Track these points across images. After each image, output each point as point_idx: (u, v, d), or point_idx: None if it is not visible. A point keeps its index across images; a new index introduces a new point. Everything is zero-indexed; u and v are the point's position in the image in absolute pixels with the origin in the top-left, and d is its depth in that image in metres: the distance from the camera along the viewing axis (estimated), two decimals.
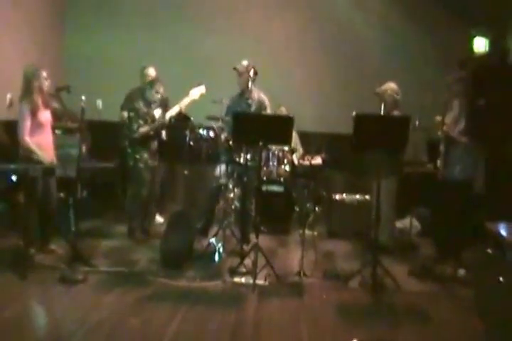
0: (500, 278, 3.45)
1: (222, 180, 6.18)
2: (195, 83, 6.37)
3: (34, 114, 5.25)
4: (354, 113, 5.09)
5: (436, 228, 6.43)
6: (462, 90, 5.58)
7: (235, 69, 6.08)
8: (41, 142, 5.34)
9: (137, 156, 6.20)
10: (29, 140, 5.25)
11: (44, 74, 5.33)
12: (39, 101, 5.29)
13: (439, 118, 5.70)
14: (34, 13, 7.57)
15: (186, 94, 6.32)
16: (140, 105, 6.24)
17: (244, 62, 6.08)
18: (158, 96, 6.29)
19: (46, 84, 5.36)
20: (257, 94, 6.24)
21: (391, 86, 6.02)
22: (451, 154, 5.55)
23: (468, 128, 5.37)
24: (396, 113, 5.98)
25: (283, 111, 7.24)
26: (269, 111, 6.31)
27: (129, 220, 6.43)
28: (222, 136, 5.93)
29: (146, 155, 6.22)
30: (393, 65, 8.00)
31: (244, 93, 6.20)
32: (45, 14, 7.92)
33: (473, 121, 5.32)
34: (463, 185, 5.44)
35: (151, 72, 6.78)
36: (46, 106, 5.42)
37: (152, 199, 6.48)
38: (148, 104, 6.28)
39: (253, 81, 6.08)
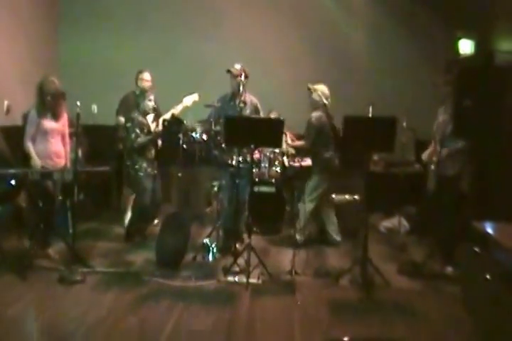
0: (487, 276, 3.55)
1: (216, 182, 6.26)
2: (189, 91, 6.47)
3: (39, 122, 5.37)
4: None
5: (425, 226, 6.54)
6: (450, 93, 5.64)
7: (228, 71, 6.06)
8: (44, 150, 5.47)
9: (136, 166, 6.22)
10: (30, 145, 5.39)
11: (57, 84, 5.44)
12: (46, 110, 5.42)
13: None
14: (28, 20, 7.60)
15: (179, 99, 6.41)
16: (135, 115, 6.24)
17: (237, 65, 6.10)
18: (152, 103, 6.33)
19: (57, 93, 5.44)
20: (249, 98, 6.26)
21: (322, 88, 6.16)
22: (442, 152, 5.60)
23: (455, 129, 5.44)
24: (314, 114, 6.25)
25: (274, 115, 7.30)
26: (262, 114, 6.38)
27: (128, 225, 6.51)
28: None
29: (144, 164, 6.24)
30: (381, 67, 8.13)
31: (235, 96, 6.14)
32: (38, 21, 7.95)
33: (460, 121, 5.39)
34: (452, 181, 5.53)
35: (146, 76, 6.81)
36: (58, 116, 5.54)
37: (154, 206, 6.48)
38: (144, 114, 6.29)
39: (245, 84, 6.12)
